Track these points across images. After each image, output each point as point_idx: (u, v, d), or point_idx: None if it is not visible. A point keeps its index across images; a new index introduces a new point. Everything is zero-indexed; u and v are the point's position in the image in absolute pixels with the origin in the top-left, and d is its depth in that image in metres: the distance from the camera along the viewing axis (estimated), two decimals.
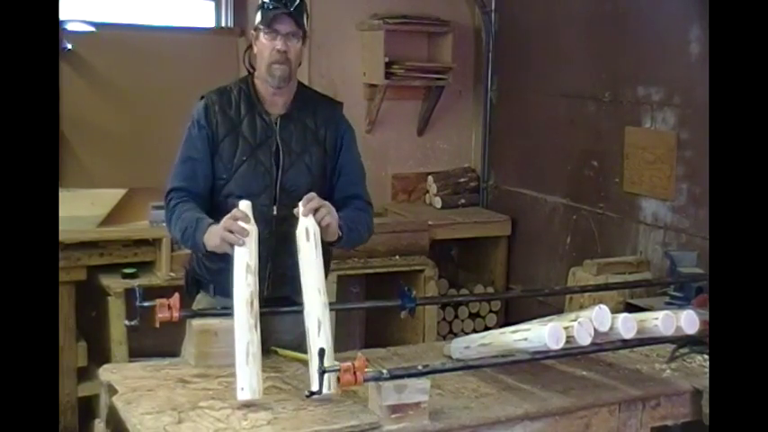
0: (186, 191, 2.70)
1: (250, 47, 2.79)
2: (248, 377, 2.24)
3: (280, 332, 2.72)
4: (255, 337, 2.31)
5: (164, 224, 2.81)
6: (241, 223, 2.46)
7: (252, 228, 2.49)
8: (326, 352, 2.21)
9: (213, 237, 2.52)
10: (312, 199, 2.53)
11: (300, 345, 2.56)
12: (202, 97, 2.79)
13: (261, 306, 2.44)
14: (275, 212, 2.71)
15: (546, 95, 4.82)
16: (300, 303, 2.46)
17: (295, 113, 2.76)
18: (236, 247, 2.45)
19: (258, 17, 2.72)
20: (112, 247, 3.91)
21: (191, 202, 2.69)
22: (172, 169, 2.76)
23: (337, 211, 2.62)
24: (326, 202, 2.57)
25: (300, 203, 2.53)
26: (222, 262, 2.62)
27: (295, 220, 2.55)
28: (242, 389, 2.23)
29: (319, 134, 2.77)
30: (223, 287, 2.63)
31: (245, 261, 2.42)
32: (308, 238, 2.48)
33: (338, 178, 2.81)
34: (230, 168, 2.70)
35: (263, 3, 2.71)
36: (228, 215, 2.50)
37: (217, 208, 2.69)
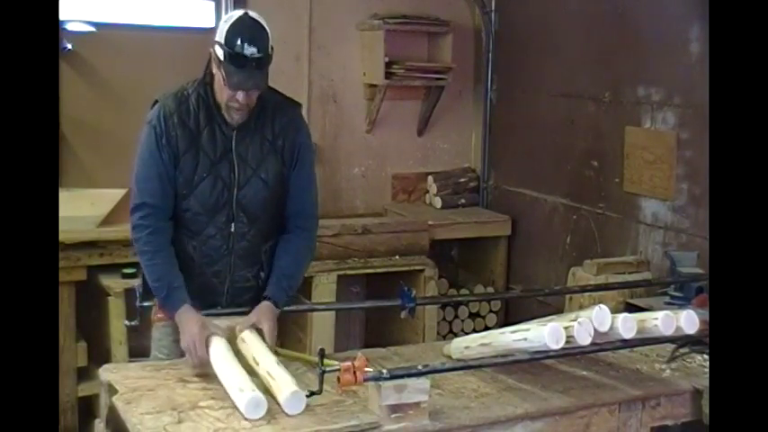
0: (155, 208, 2.59)
1: (210, 59, 2.59)
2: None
3: None
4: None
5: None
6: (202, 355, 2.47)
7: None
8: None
9: (181, 334, 2.52)
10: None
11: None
12: (156, 101, 2.64)
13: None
14: (233, 229, 2.65)
15: (546, 95, 4.82)
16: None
17: (252, 124, 2.64)
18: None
19: (219, 52, 2.49)
20: (112, 247, 3.91)
21: (160, 231, 2.60)
22: (137, 180, 2.62)
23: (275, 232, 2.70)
24: (263, 322, 2.55)
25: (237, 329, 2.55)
26: None
27: (252, 236, 2.66)
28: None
29: (277, 144, 2.67)
30: None
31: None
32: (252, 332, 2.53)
33: (289, 189, 2.72)
34: (191, 184, 2.61)
35: (227, 51, 2.47)
36: (192, 344, 2.47)
37: (176, 220, 2.64)
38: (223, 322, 2.58)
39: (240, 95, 2.53)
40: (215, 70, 2.56)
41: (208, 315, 2.59)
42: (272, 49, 2.53)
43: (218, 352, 2.44)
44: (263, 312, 2.59)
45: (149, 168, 2.60)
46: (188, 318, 2.53)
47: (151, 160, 2.60)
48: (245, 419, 2.16)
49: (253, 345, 2.47)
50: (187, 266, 2.63)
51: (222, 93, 2.56)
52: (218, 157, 2.61)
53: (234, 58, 2.47)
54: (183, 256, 2.64)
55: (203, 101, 2.62)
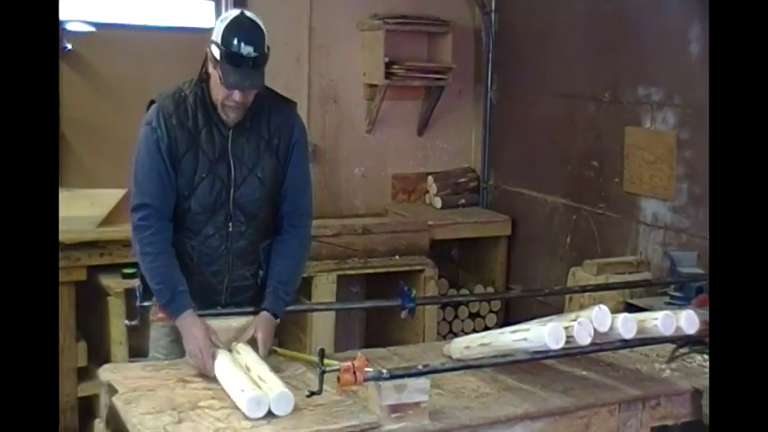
0: (156, 209, 2.58)
1: (206, 58, 2.59)
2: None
3: None
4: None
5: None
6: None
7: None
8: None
9: (185, 340, 2.53)
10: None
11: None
12: (152, 102, 2.64)
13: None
14: (231, 229, 2.65)
15: (546, 95, 4.82)
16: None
17: (248, 123, 2.63)
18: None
19: (216, 51, 2.49)
20: (112, 247, 3.91)
21: (162, 232, 2.59)
22: (136, 181, 2.61)
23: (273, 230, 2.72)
24: (258, 332, 2.57)
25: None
26: None
27: (249, 235, 2.66)
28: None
29: (273, 143, 2.66)
30: None
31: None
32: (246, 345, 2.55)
33: (282, 187, 2.71)
34: (191, 185, 2.60)
35: (224, 50, 2.47)
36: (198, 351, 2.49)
37: (176, 220, 2.64)
38: (223, 323, 2.59)
39: (237, 95, 2.53)
40: (211, 69, 2.56)
41: (207, 315, 2.59)
42: (268, 48, 2.53)
43: (223, 365, 2.44)
44: (260, 322, 2.61)
45: (149, 169, 2.59)
46: (192, 323, 2.53)
47: (151, 161, 2.59)
48: (246, 419, 2.16)
49: (246, 355, 2.49)
50: (186, 266, 2.63)
51: (218, 91, 2.56)
52: (217, 156, 2.61)
53: (230, 57, 2.47)
54: (183, 255, 2.64)
55: (200, 101, 2.62)
